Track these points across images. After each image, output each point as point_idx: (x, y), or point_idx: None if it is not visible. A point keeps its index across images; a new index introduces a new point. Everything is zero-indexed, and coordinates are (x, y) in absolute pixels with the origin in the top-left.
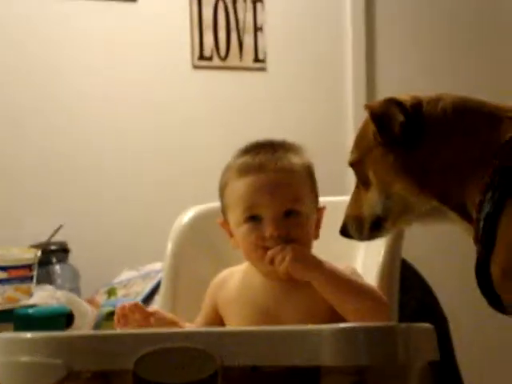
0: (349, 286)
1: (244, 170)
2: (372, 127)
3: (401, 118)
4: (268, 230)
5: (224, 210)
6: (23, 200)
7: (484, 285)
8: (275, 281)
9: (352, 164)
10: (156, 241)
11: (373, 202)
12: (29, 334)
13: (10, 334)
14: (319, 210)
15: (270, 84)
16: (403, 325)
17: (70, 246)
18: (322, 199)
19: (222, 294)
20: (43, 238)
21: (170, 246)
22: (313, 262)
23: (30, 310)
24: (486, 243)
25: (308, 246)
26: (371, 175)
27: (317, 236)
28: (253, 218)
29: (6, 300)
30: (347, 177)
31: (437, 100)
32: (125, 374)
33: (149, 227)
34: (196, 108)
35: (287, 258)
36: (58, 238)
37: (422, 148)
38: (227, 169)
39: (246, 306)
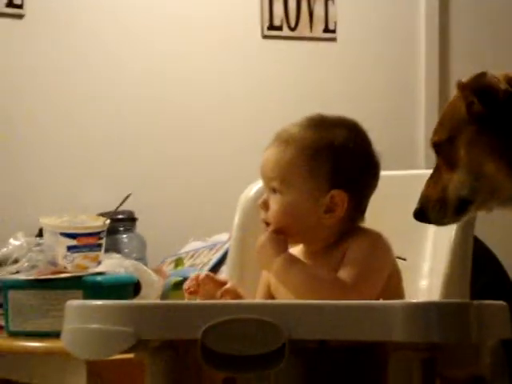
0: (302, 288)
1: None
2: (463, 105)
3: (504, 86)
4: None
5: None
6: (91, 169)
7: None
8: (309, 252)
9: (437, 144)
10: (223, 211)
11: (459, 183)
12: (99, 302)
13: (80, 302)
14: (334, 195)
15: (339, 54)
16: (476, 302)
17: (138, 215)
18: (391, 173)
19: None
20: (110, 207)
21: (237, 218)
22: (266, 256)
23: (99, 278)
24: None
25: (283, 227)
26: (462, 155)
27: (328, 221)
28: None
29: (76, 267)
30: (417, 147)
31: None
32: (192, 344)
33: (216, 198)
34: (265, 78)
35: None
36: (125, 207)
37: None
38: None
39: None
